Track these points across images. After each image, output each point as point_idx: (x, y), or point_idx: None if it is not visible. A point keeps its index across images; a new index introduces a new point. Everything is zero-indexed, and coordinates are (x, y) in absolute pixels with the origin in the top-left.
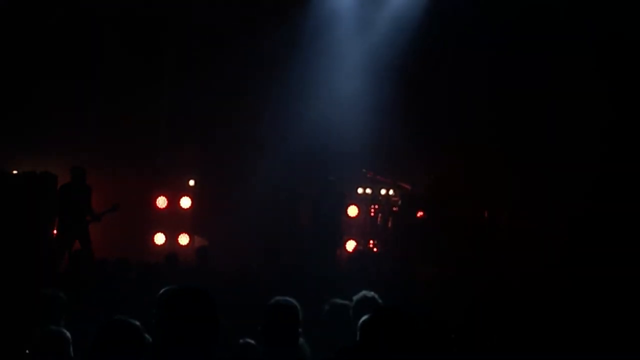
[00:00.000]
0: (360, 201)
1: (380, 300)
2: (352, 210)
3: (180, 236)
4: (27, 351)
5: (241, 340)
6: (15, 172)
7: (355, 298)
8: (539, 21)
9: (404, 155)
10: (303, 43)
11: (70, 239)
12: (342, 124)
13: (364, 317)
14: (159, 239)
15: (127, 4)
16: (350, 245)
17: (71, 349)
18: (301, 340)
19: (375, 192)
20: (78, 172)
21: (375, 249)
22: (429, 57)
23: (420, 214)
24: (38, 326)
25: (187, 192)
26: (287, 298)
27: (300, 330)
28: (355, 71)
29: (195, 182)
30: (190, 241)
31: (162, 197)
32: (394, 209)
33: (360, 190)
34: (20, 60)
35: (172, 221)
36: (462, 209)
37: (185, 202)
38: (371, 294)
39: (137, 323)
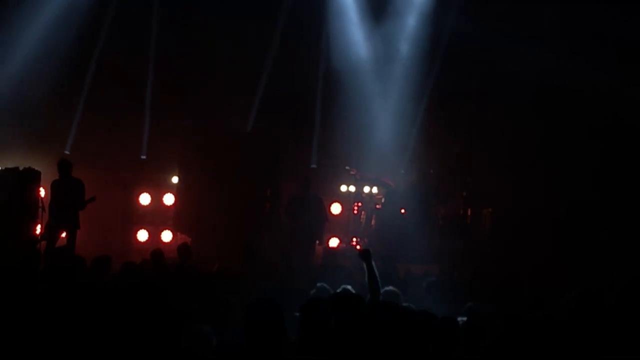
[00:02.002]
0: (344, 199)
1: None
2: (336, 208)
3: (163, 233)
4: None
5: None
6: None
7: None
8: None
9: (390, 151)
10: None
11: (60, 231)
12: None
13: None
14: (142, 235)
15: None
16: (333, 242)
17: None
18: None
19: (359, 189)
20: (66, 165)
21: (358, 247)
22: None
23: (403, 211)
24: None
25: (170, 189)
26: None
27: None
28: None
29: (179, 180)
30: (173, 238)
31: (145, 194)
32: (377, 206)
33: (343, 188)
34: None
35: (155, 218)
36: (447, 206)
37: (169, 199)
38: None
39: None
